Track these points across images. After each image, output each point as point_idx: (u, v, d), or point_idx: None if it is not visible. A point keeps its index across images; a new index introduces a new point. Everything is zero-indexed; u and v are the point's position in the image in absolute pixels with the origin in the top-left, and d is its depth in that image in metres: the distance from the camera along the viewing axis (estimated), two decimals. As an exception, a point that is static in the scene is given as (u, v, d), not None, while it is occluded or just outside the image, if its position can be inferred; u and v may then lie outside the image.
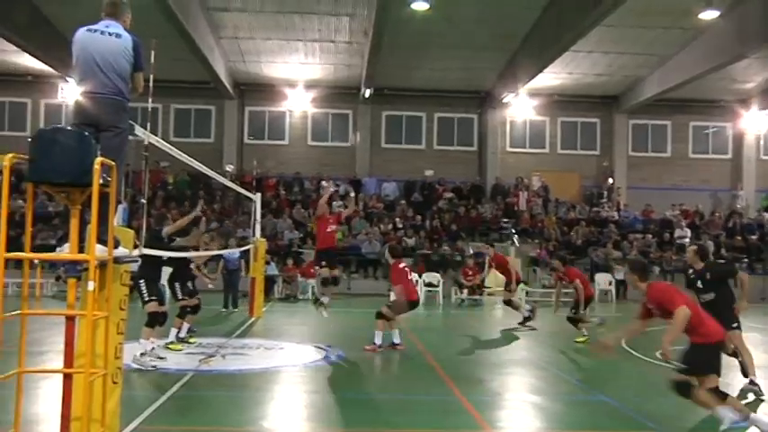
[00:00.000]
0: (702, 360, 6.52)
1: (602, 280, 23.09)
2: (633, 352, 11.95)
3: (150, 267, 9.73)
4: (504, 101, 27.48)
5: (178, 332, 11.32)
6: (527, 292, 22.39)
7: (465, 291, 21.69)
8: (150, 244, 8.14)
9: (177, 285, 11.31)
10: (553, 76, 25.78)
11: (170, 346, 10.85)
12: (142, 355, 9.48)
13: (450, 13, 20.13)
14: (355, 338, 12.59)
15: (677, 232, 26.40)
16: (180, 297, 11.26)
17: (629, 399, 8.38)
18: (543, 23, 20.81)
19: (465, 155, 29.38)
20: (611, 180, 29.33)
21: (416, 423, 7.22)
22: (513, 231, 25.94)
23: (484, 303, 21.66)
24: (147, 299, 9.83)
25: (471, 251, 24.43)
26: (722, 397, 6.49)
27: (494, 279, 23.78)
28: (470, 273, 21.78)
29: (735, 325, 8.45)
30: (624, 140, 29.71)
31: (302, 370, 9.96)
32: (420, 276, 20.92)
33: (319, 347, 11.64)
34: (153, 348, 9.83)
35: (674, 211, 27.83)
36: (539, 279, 23.74)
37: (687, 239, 25.40)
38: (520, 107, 28.48)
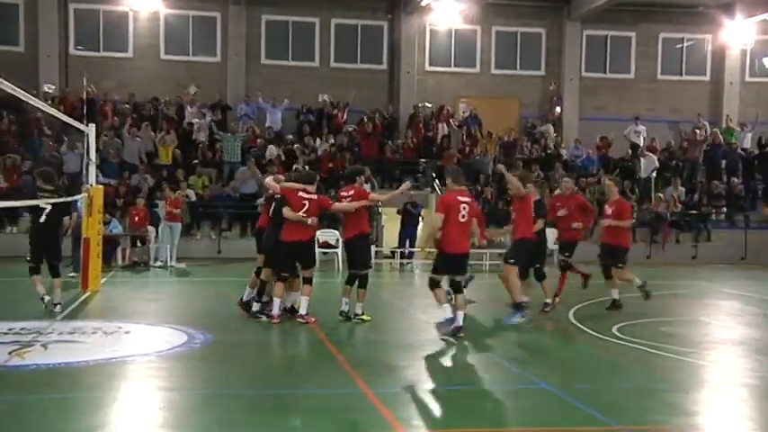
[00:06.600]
0: None
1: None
2: (582, 326, 12.43)
3: None
4: (423, 3, 27.50)
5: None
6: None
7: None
8: None
9: None
10: (487, -29, 26.00)
11: None
12: None
13: None
14: (228, 317, 12.60)
15: (642, 165, 27.16)
16: None
17: (574, 386, 8.71)
18: None
19: (372, 75, 29.41)
20: (558, 109, 29.97)
21: (308, 425, 7.31)
22: (434, 175, 25.80)
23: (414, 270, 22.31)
24: None
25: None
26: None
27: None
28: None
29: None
30: (576, 58, 30.45)
31: (156, 360, 9.88)
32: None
33: (179, 329, 11.57)
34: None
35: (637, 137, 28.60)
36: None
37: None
38: (443, 12, 28.56)
